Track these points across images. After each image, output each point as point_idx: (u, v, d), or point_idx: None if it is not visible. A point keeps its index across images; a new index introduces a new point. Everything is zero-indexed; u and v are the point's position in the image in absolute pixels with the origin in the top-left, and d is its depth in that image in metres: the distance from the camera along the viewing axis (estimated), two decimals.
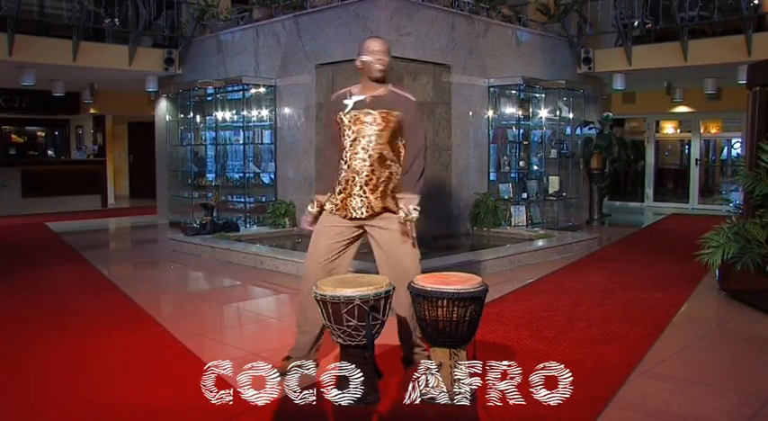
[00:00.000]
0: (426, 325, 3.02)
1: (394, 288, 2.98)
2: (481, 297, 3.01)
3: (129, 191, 16.56)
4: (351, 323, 2.85)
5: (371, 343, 2.91)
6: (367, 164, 3.27)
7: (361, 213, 3.29)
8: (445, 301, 2.93)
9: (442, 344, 3.01)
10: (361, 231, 3.40)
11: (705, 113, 13.52)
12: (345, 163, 3.32)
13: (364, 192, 3.28)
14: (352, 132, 3.30)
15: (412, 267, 3.31)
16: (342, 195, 3.31)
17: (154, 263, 7.73)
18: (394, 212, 3.32)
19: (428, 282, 3.03)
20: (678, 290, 5.50)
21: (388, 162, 3.32)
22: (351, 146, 3.31)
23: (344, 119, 3.33)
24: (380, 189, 3.29)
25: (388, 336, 3.84)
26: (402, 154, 3.38)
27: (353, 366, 2.99)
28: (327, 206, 3.38)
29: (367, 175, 3.28)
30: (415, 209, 3.24)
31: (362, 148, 3.28)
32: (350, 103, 3.34)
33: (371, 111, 3.29)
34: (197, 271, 6.86)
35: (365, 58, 3.33)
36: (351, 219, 3.33)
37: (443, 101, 7.95)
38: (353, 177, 3.29)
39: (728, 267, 4.85)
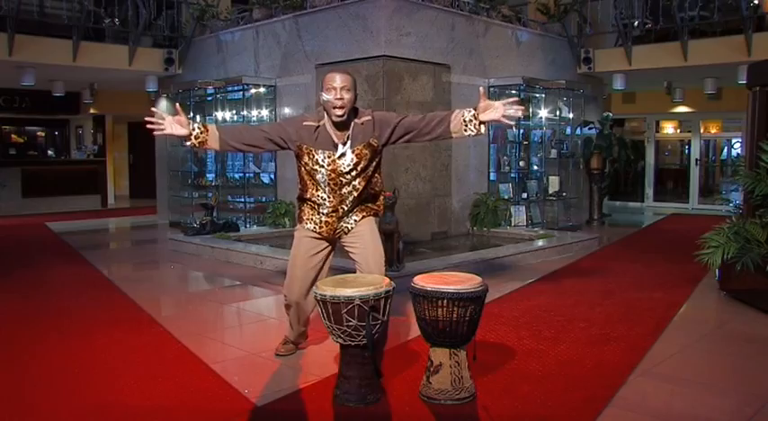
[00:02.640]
0: (426, 325, 3.02)
1: (394, 288, 2.98)
2: (481, 297, 3.01)
3: (129, 191, 16.56)
4: (351, 323, 2.85)
5: (372, 343, 2.91)
6: (354, 195, 3.24)
7: (349, 228, 3.33)
8: (445, 301, 2.93)
9: (442, 344, 3.01)
10: (332, 245, 3.45)
11: (705, 113, 13.51)
12: (326, 199, 3.21)
13: (352, 214, 3.31)
14: (330, 172, 3.14)
15: (376, 269, 3.33)
16: (329, 218, 3.27)
17: (154, 263, 7.73)
18: (375, 213, 3.41)
19: (428, 282, 3.03)
20: (678, 290, 5.49)
21: (372, 184, 3.30)
22: (329, 185, 3.17)
23: (316, 156, 3.12)
24: (365, 204, 3.33)
25: (388, 336, 3.85)
26: (380, 177, 3.36)
27: (354, 366, 2.99)
28: (308, 226, 3.31)
29: (353, 202, 3.26)
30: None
31: (345, 185, 3.19)
32: (340, 150, 3.12)
33: (346, 152, 3.13)
34: (197, 271, 6.85)
35: (324, 96, 3.07)
36: (336, 236, 3.36)
37: (443, 101, 7.95)
38: (341, 207, 3.25)
39: (728, 267, 4.85)
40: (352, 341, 2.90)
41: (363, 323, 2.84)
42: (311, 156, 3.14)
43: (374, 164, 3.23)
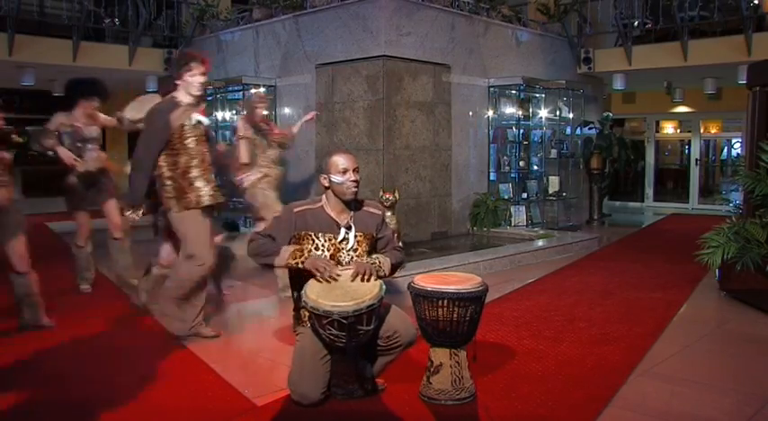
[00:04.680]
0: (426, 325, 3.02)
1: (381, 299, 2.83)
2: (481, 297, 3.01)
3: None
4: (332, 332, 2.77)
5: (353, 351, 2.91)
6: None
7: None
8: (445, 301, 2.93)
9: (442, 344, 3.01)
10: None
11: (705, 113, 13.52)
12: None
13: None
14: (329, 256, 3.01)
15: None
16: None
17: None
18: None
19: (428, 283, 3.03)
20: (678, 290, 5.50)
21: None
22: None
23: (317, 241, 3.00)
24: None
25: None
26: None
27: (339, 363, 2.99)
28: (310, 325, 2.99)
29: None
30: (382, 269, 3.00)
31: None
32: (342, 232, 3.01)
33: (349, 237, 3.02)
34: None
35: (335, 178, 2.97)
36: None
37: (443, 101, 7.95)
38: None
39: (728, 267, 4.86)
40: (335, 345, 2.86)
41: (344, 332, 2.75)
42: (311, 242, 3.00)
43: (365, 252, 3.10)
